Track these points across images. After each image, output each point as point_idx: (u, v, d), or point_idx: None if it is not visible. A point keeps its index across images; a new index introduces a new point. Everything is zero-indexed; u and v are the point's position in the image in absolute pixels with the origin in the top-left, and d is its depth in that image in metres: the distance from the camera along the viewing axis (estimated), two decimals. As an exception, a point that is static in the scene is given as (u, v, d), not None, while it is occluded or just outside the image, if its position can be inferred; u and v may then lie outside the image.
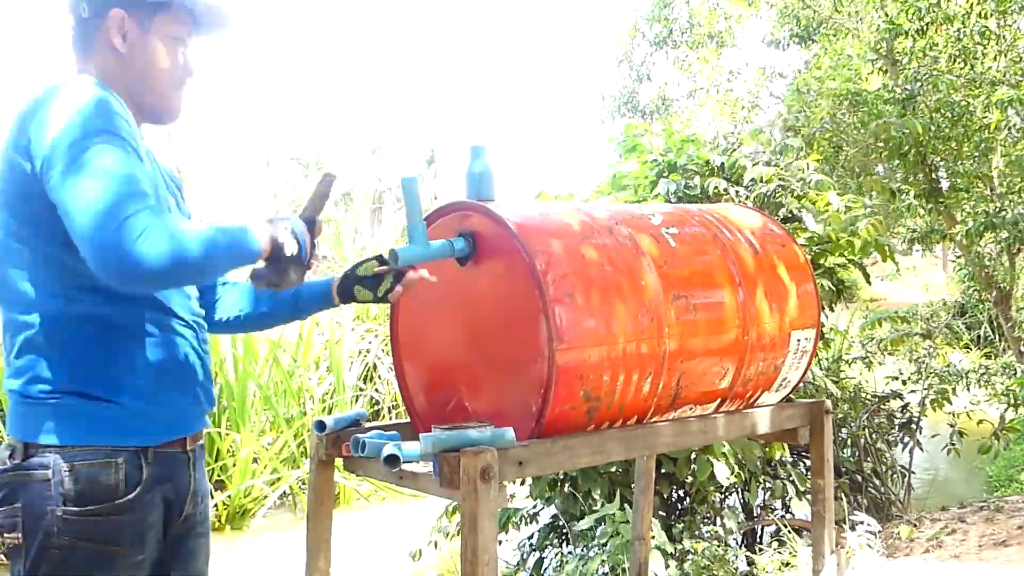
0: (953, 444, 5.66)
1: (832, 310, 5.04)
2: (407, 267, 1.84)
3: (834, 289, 4.65)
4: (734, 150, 4.76)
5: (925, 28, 7.22)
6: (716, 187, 4.39)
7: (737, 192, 4.51)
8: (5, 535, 1.47)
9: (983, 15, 7.08)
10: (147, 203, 1.37)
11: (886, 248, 4.69)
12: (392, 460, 1.65)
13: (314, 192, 1.68)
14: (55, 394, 1.48)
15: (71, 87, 1.48)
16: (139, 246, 1.32)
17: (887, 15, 7.53)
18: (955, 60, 7.42)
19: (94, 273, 1.38)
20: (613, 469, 4.14)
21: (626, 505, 3.93)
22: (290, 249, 1.53)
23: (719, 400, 2.15)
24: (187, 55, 1.68)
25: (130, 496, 1.50)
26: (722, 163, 4.62)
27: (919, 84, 7.36)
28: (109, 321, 1.51)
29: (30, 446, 1.48)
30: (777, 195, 4.50)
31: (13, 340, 1.52)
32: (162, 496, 1.57)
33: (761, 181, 4.42)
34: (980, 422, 5.91)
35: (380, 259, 1.86)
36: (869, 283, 5.22)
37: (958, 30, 7.21)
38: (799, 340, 2.26)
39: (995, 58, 7.38)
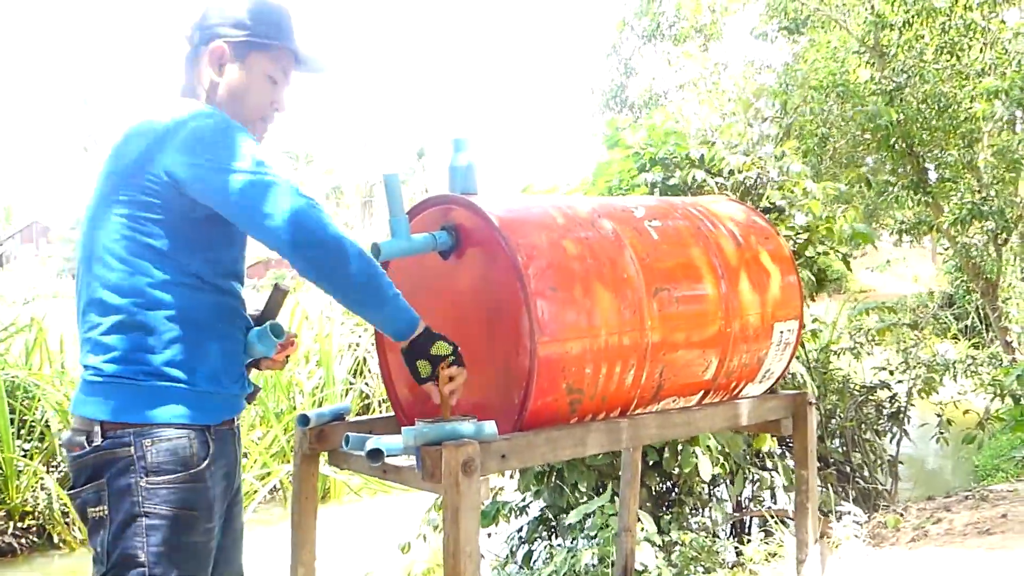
0: (941, 433, 5.70)
1: (813, 300, 5.07)
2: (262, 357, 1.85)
3: (815, 279, 4.67)
4: (712, 143, 4.76)
5: (911, 21, 7.24)
6: (695, 178, 4.41)
7: (718, 183, 4.53)
8: (90, 509, 1.61)
9: (968, 7, 7.11)
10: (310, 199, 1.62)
11: (866, 235, 4.71)
12: (375, 454, 1.65)
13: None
14: (139, 375, 1.62)
15: (208, 114, 1.66)
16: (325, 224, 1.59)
17: (873, 8, 7.55)
18: (941, 52, 7.45)
19: (277, 250, 1.61)
20: (599, 460, 4.15)
21: (616, 497, 3.95)
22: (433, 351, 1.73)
23: (703, 392, 2.16)
24: (279, 92, 1.83)
25: (201, 467, 1.64)
26: (702, 155, 4.63)
27: (906, 76, 7.39)
28: (191, 315, 1.66)
29: (107, 427, 1.60)
30: (756, 185, 4.52)
31: (102, 319, 1.64)
32: (222, 472, 1.72)
33: (739, 172, 4.44)
34: (966, 412, 5.95)
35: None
36: (850, 269, 5.24)
37: (943, 23, 7.24)
38: (782, 332, 2.27)
39: (981, 50, 7.41)
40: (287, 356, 1.89)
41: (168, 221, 1.64)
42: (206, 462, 1.66)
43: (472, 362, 1.89)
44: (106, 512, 1.60)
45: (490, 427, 1.65)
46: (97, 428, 1.62)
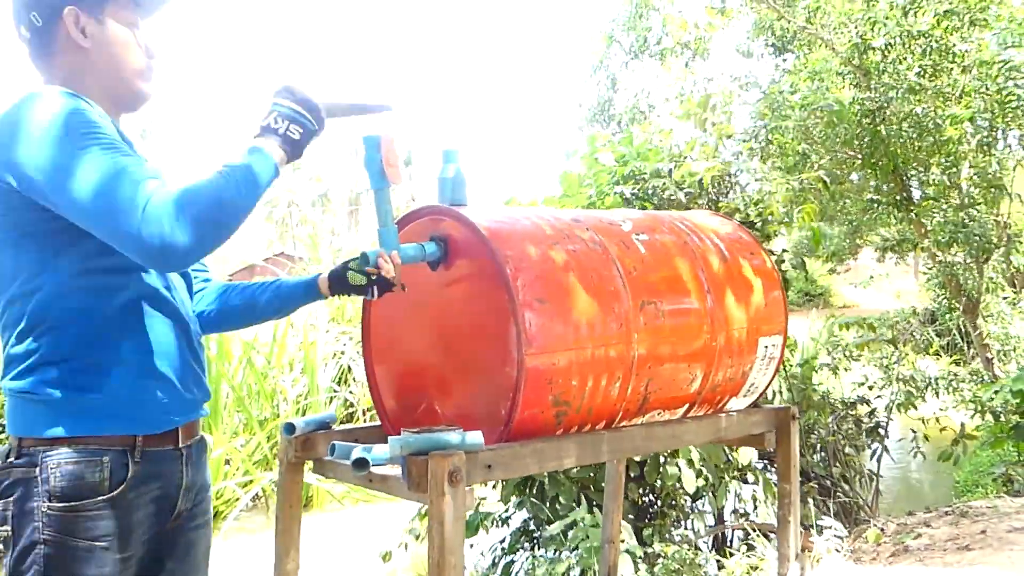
0: (919, 448, 5.75)
1: None
2: (391, 279, 1.82)
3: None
4: (682, 156, 4.83)
5: (892, 43, 7.33)
6: (664, 187, 4.50)
7: (687, 194, 4.61)
8: None
9: (948, 30, 7.20)
10: (152, 186, 1.42)
11: (820, 232, 4.77)
12: (361, 464, 1.65)
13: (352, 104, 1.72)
14: (42, 388, 1.51)
15: (41, 100, 1.49)
16: (171, 233, 1.39)
17: (856, 29, 7.64)
18: (923, 74, 7.54)
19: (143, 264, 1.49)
20: (579, 472, 4.17)
21: (595, 509, 3.96)
22: (299, 133, 1.59)
23: (688, 405, 2.18)
24: (144, 36, 1.69)
25: (114, 494, 1.51)
26: (670, 169, 4.71)
27: (889, 96, 7.47)
28: (97, 313, 1.54)
29: (22, 442, 1.52)
30: (729, 197, 4.59)
31: (3, 336, 1.56)
32: (151, 496, 1.58)
33: (705, 179, 4.51)
34: (943, 429, 6.01)
35: (363, 257, 1.84)
36: (807, 275, 5.35)
37: (923, 47, 7.33)
38: (767, 346, 2.30)
39: (963, 71, 7.50)
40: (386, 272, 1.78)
41: (29, 228, 1.49)
42: (121, 487, 1.52)
43: (459, 372, 1.90)
44: (10, 534, 1.49)
45: (476, 437, 1.66)
46: (15, 443, 1.52)
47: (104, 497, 1.50)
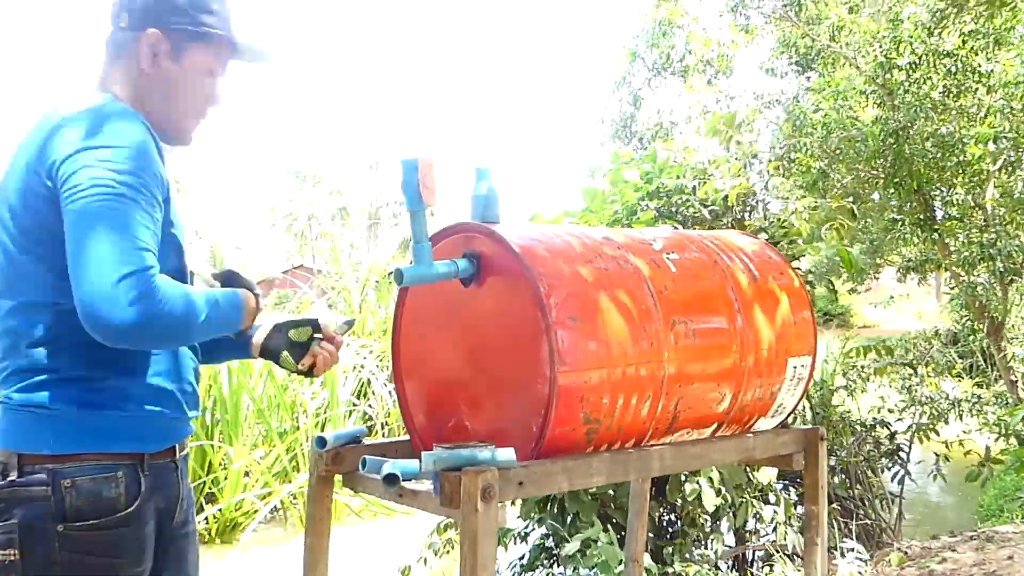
0: (938, 469, 5.69)
1: None
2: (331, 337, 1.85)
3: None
4: (707, 174, 4.82)
5: (918, 63, 7.32)
6: (688, 203, 4.49)
7: (712, 212, 4.60)
8: (0, 552, 1.45)
9: (974, 50, 7.18)
10: (143, 267, 1.39)
11: (849, 257, 4.72)
12: (392, 479, 1.67)
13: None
14: (57, 404, 1.47)
15: (124, 122, 1.48)
16: (121, 311, 1.35)
17: (881, 48, 7.63)
18: (948, 94, 7.52)
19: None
20: (599, 489, 4.15)
21: (609, 527, 3.94)
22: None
23: (716, 424, 2.17)
24: (216, 86, 1.69)
25: (130, 509, 1.51)
26: (694, 186, 4.71)
27: (913, 115, 7.45)
28: None
29: (24, 459, 1.46)
30: (752, 217, 4.58)
31: (9, 346, 1.51)
32: (155, 507, 1.58)
33: (730, 197, 4.49)
34: (968, 452, 5.94)
35: (314, 326, 1.85)
36: (836, 299, 5.29)
37: (949, 65, 7.32)
38: (795, 367, 2.29)
39: (988, 92, 7.47)
40: (316, 359, 1.81)
41: (58, 237, 1.44)
42: (137, 503, 1.51)
43: (490, 389, 1.91)
44: (17, 557, 1.43)
45: (509, 454, 1.67)
46: (13, 460, 1.46)
47: (121, 513, 1.49)
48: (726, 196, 4.45)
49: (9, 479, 1.45)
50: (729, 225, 4.58)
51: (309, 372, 1.84)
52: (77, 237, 1.39)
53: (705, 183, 4.61)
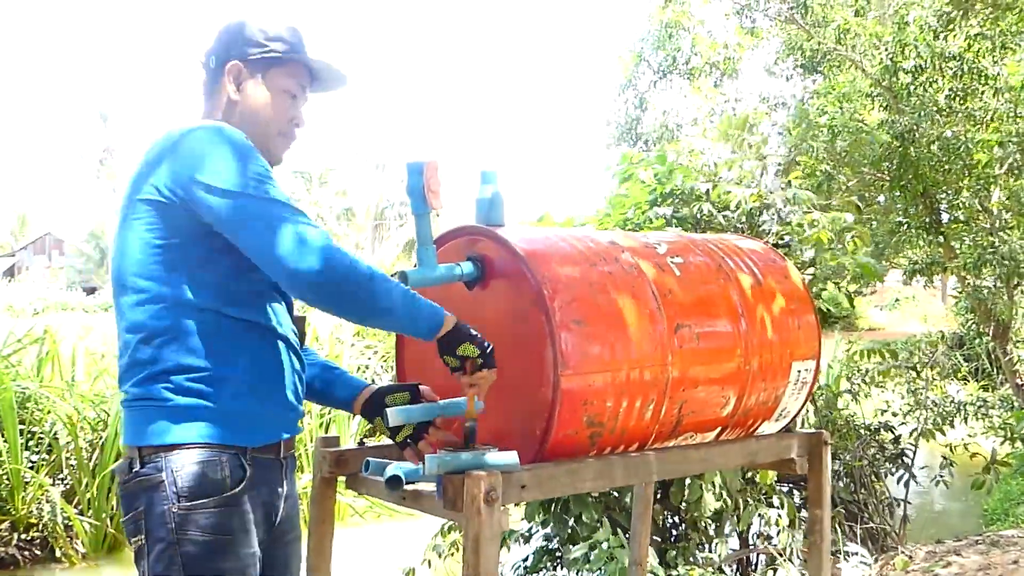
0: (942, 477, 5.66)
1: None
2: (429, 424, 1.88)
3: (820, 316, 4.66)
4: (717, 176, 4.79)
5: (923, 66, 7.31)
6: (703, 211, 4.46)
7: (725, 216, 4.56)
8: (132, 539, 1.61)
9: (980, 53, 7.17)
10: (318, 227, 1.60)
11: (871, 269, 4.69)
12: (395, 482, 1.67)
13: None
14: (164, 395, 1.60)
15: (225, 132, 1.64)
16: (309, 261, 1.54)
17: (887, 51, 7.62)
18: (954, 97, 7.50)
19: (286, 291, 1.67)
20: (603, 492, 4.15)
21: (618, 530, 3.94)
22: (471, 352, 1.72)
23: (720, 428, 2.17)
24: (297, 107, 1.83)
25: (235, 491, 1.61)
26: (707, 189, 4.67)
27: (919, 117, 7.43)
28: (213, 332, 1.63)
29: (143, 451, 1.60)
30: (761, 219, 4.54)
31: (128, 344, 1.64)
32: (260, 500, 1.68)
33: (744, 204, 4.46)
34: (973, 456, 5.91)
35: (413, 393, 1.92)
36: (852, 307, 5.25)
37: (955, 68, 7.30)
38: (799, 371, 2.29)
39: (994, 95, 7.46)
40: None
41: (180, 239, 1.62)
42: (242, 485, 1.62)
43: (494, 391, 1.91)
44: (143, 541, 1.58)
45: (512, 457, 1.67)
46: (136, 454, 1.61)
47: (227, 494, 1.60)
48: (739, 203, 4.43)
49: (134, 471, 1.60)
50: (746, 233, 4.52)
51: (401, 442, 1.91)
52: (256, 227, 1.57)
53: (716, 186, 4.58)
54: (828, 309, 4.69)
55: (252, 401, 1.66)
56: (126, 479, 1.61)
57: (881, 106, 8.19)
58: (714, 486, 4.23)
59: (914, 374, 7.15)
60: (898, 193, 8.06)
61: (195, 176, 1.58)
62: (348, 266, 1.57)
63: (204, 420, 1.61)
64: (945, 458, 5.74)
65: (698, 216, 4.48)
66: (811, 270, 4.58)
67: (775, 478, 4.70)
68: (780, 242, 4.62)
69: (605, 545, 3.81)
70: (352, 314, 1.70)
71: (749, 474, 4.46)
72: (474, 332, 1.73)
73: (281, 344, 1.74)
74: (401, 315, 1.67)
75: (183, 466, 1.57)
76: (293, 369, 1.77)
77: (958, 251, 8.23)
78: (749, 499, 4.55)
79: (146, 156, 1.67)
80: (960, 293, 9.49)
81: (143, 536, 1.58)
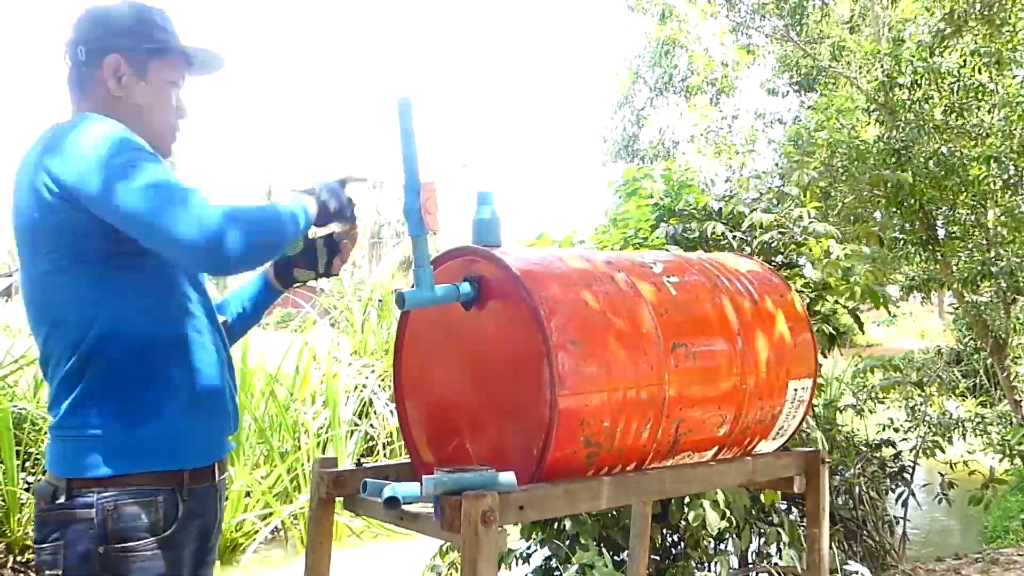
0: (944, 494, 5.64)
1: (826, 356, 5.05)
2: (334, 234, 1.89)
3: (828, 335, 4.66)
4: (732, 196, 4.79)
5: (919, 82, 7.35)
6: (715, 231, 4.42)
7: (735, 236, 4.55)
8: (46, 571, 1.52)
9: (976, 69, 7.21)
10: (203, 194, 1.48)
11: (880, 297, 4.69)
12: (392, 503, 1.67)
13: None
14: (93, 425, 1.53)
15: (96, 122, 1.56)
16: (221, 236, 1.44)
17: (882, 67, 7.67)
18: (949, 112, 7.54)
19: (187, 269, 1.59)
20: (599, 512, 4.13)
21: (604, 550, 3.93)
22: (334, 204, 1.72)
23: (717, 447, 2.17)
24: (180, 97, 1.76)
25: (167, 532, 1.56)
26: (720, 208, 4.65)
27: (915, 134, 7.47)
28: (153, 347, 1.57)
29: (73, 484, 1.52)
30: (776, 242, 4.53)
31: (53, 371, 1.57)
32: (194, 534, 1.63)
33: (761, 228, 4.45)
34: (972, 473, 5.90)
35: (303, 235, 1.88)
36: (863, 331, 5.24)
37: (951, 84, 7.35)
38: (796, 389, 2.29)
39: (990, 111, 7.50)
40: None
41: (81, 251, 1.51)
42: (175, 526, 1.57)
43: (491, 411, 1.91)
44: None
45: (509, 477, 1.67)
46: (63, 484, 1.53)
47: (160, 536, 1.54)
48: (758, 225, 4.42)
49: (58, 502, 1.52)
50: (757, 256, 4.50)
51: (328, 271, 1.93)
52: (138, 207, 1.47)
53: (729, 202, 4.58)
54: (835, 330, 4.67)
55: (187, 421, 1.61)
56: (48, 507, 1.53)
57: (877, 122, 8.23)
58: (719, 505, 4.22)
59: (914, 390, 7.15)
60: (894, 209, 8.09)
61: (72, 171, 1.49)
62: (253, 220, 1.51)
63: (135, 448, 1.54)
64: (943, 475, 5.73)
65: (709, 235, 4.46)
66: (821, 291, 4.56)
67: (780, 496, 4.68)
68: (790, 263, 4.61)
69: (595, 567, 3.79)
70: (270, 259, 1.69)
71: (754, 491, 4.44)
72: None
73: (214, 351, 1.69)
74: (290, 224, 1.63)
75: (115, 506, 1.51)
76: (228, 376, 1.73)
77: (955, 267, 8.24)
78: (750, 518, 4.53)
79: (20, 172, 1.58)
80: (957, 309, 9.49)
81: (60, 572, 1.50)
